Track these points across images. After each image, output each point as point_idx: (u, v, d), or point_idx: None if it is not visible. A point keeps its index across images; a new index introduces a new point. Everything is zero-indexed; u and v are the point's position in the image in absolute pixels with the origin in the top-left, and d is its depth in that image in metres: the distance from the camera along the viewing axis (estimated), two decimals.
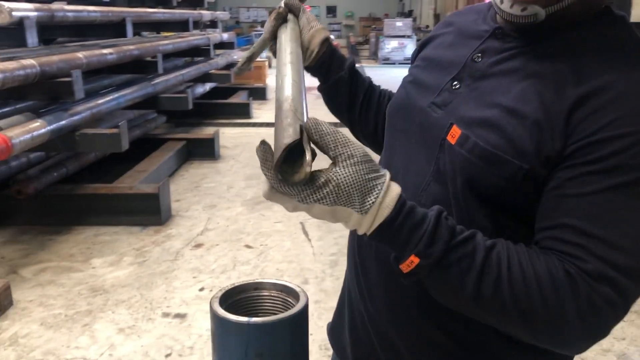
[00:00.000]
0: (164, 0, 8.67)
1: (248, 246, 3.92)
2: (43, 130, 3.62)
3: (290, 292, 1.01)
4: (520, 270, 0.74)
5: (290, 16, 1.09)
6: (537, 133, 0.77)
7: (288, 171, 0.70)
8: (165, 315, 3.05)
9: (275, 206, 4.54)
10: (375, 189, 0.70)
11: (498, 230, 0.83)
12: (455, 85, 0.91)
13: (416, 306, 0.91)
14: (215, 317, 0.93)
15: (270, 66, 12.15)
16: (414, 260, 0.73)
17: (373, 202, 0.70)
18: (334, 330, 1.15)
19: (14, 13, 3.74)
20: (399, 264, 0.76)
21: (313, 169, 0.69)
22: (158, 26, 8.22)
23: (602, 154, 0.73)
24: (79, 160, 4.96)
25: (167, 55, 7.11)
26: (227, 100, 9.20)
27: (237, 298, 1.01)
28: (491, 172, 0.80)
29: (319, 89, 1.18)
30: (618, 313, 0.73)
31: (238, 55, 10.36)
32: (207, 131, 7.30)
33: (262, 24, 27.22)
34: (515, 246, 0.77)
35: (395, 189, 0.73)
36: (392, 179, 0.73)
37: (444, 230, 0.74)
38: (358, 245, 1.02)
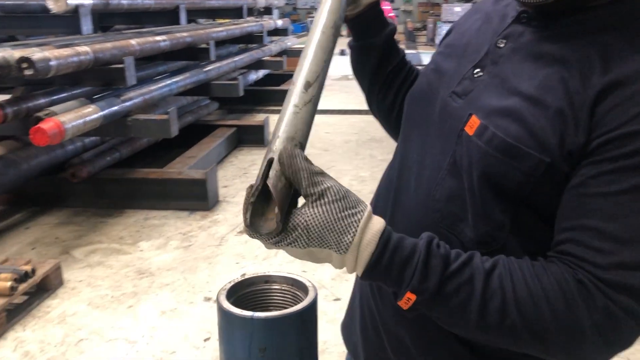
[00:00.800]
0: None
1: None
2: (95, 116, 3.72)
3: (300, 287, 0.98)
4: (527, 289, 0.69)
5: None
6: (560, 124, 0.71)
7: (262, 211, 0.68)
8: (207, 299, 3.10)
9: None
10: (351, 228, 0.67)
11: (515, 228, 0.77)
12: (477, 72, 0.85)
13: None
14: (220, 310, 0.92)
15: None
16: (410, 297, 0.70)
17: (350, 242, 0.67)
18: (345, 328, 1.12)
19: (69, 1, 3.87)
20: (397, 301, 0.72)
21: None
22: (212, 13, 8.33)
23: (629, 150, 0.66)
24: (132, 145, 5.09)
25: (221, 42, 7.20)
26: (280, 87, 9.23)
27: (246, 291, 0.99)
28: (510, 165, 0.74)
29: (349, 44, 1.09)
30: None
31: (292, 41, 10.37)
32: (258, 118, 7.36)
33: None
34: (519, 262, 0.72)
35: (377, 225, 0.69)
36: (373, 212, 0.70)
37: (437, 261, 0.70)
38: None
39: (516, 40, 0.82)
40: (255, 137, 6.35)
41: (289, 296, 0.98)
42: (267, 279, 1.00)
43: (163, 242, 3.81)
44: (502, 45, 0.84)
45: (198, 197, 4.37)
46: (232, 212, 4.33)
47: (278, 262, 3.48)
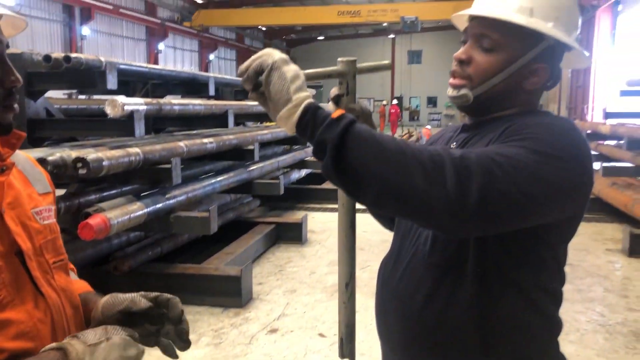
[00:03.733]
0: None
1: (322, 335, 3.92)
2: (140, 212, 3.94)
3: None
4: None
5: None
6: None
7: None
8: None
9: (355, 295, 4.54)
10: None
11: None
12: None
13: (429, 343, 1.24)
14: None
15: None
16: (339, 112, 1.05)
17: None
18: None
19: (126, 107, 4.22)
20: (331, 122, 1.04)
21: None
22: (259, 117, 8.80)
23: (510, 132, 1.16)
24: (174, 240, 5.29)
25: (267, 143, 7.57)
26: (320, 185, 9.48)
27: None
28: None
29: None
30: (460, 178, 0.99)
31: None
32: (298, 215, 7.53)
33: None
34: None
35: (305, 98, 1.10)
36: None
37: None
38: (381, 285, 1.38)
39: (461, 141, 1.31)
40: (293, 234, 6.48)
41: None
42: None
43: (195, 338, 3.86)
44: (453, 146, 1.31)
45: (232, 294, 4.45)
46: (264, 310, 4.38)
47: None
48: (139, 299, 1.20)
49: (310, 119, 1.05)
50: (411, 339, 1.26)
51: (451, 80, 1.26)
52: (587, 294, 4.77)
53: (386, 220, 1.55)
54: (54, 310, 1.15)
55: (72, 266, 1.41)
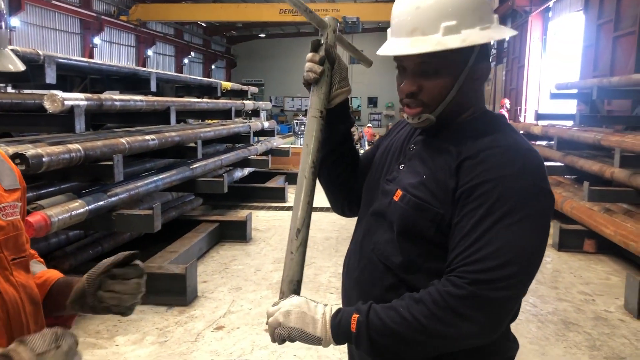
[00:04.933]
0: (210, 90, 9.24)
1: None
2: (81, 210, 3.85)
3: None
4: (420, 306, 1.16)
5: (325, 73, 1.38)
6: (445, 187, 1.21)
7: None
8: None
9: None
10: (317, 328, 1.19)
11: (429, 257, 1.24)
12: (402, 166, 1.36)
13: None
14: None
15: None
16: (354, 317, 1.17)
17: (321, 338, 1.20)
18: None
19: (66, 102, 4.10)
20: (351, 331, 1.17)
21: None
22: (202, 114, 8.71)
23: (476, 195, 1.16)
24: (115, 238, 5.17)
25: (210, 141, 7.50)
26: (264, 184, 9.48)
27: None
28: (420, 216, 1.23)
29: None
30: (480, 307, 1.10)
31: (277, 142, 10.77)
32: (241, 214, 7.51)
33: (305, 112, 28.25)
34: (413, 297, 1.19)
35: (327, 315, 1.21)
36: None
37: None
38: (346, 273, 1.45)
39: (420, 144, 1.34)
40: (237, 232, 6.46)
41: None
42: None
43: (139, 337, 3.80)
44: (412, 147, 1.36)
45: (177, 292, 4.40)
46: (210, 308, 4.36)
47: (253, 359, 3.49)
48: (120, 254, 1.24)
49: (342, 340, 1.18)
50: None
51: (407, 111, 1.29)
52: None
53: (338, 201, 1.59)
54: (10, 306, 1.14)
55: (40, 258, 1.39)
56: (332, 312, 1.18)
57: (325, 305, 1.21)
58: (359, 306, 1.19)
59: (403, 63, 1.27)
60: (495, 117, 1.32)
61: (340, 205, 1.59)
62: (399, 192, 1.27)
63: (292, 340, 1.18)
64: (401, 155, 1.38)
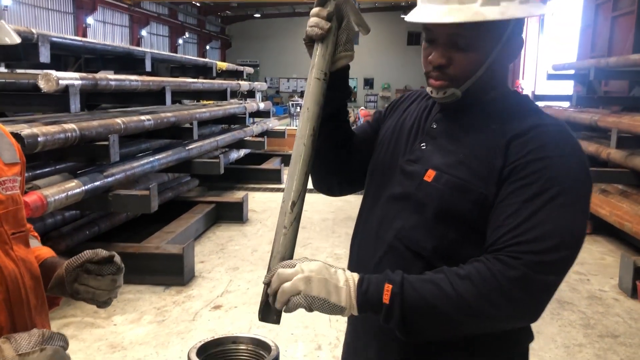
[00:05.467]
0: (205, 71, 9.18)
1: None
2: (78, 190, 3.83)
3: (264, 346, 1.08)
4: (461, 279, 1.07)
5: (332, 31, 1.24)
6: (488, 166, 1.13)
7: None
8: None
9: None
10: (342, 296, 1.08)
11: (466, 242, 1.15)
12: (423, 145, 1.25)
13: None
14: None
15: None
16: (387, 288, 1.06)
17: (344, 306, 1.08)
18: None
19: (60, 81, 4.06)
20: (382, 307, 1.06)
21: None
22: (197, 95, 8.65)
23: (527, 172, 1.08)
24: (111, 219, 5.16)
25: (205, 122, 7.46)
26: (260, 165, 9.46)
27: (215, 350, 1.09)
28: (462, 198, 1.14)
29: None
30: (529, 288, 1.04)
31: (273, 123, 10.73)
32: (238, 195, 7.50)
33: (301, 94, 28.12)
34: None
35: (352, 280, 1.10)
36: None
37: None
38: (355, 265, 1.32)
39: (445, 122, 1.24)
40: (234, 213, 6.46)
41: (253, 355, 1.08)
42: (234, 340, 1.10)
43: (137, 317, 3.81)
44: (435, 126, 1.26)
45: (174, 272, 4.41)
46: (207, 288, 4.37)
47: None
48: (100, 251, 1.23)
49: (369, 309, 1.07)
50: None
51: (433, 82, 1.20)
52: None
53: (327, 179, 1.46)
54: (9, 280, 1.14)
55: (35, 233, 1.38)
56: (357, 281, 1.07)
57: (344, 270, 1.10)
58: (389, 275, 1.08)
59: (433, 33, 1.18)
60: (526, 97, 1.27)
61: (328, 183, 1.46)
62: (432, 172, 1.18)
63: (311, 310, 1.05)
64: (420, 133, 1.27)
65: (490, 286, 1.03)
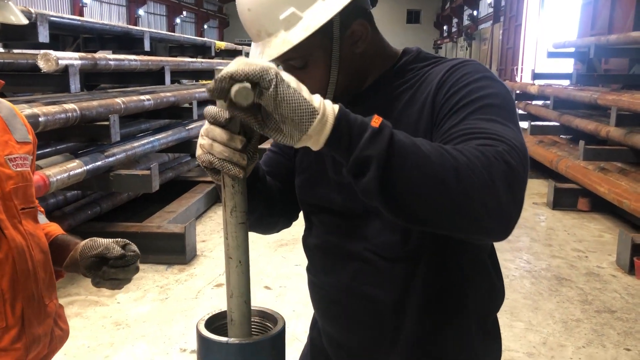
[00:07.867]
0: (204, 50, 9.13)
1: (267, 287, 4.02)
2: (79, 170, 3.85)
3: (271, 319, 1.11)
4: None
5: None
6: (421, 125, 1.08)
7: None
8: (182, 350, 3.15)
9: (296, 249, 4.66)
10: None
11: None
12: None
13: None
14: (199, 337, 1.04)
15: None
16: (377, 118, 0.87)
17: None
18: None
19: (60, 61, 4.05)
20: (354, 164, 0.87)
21: None
22: (196, 74, 8.62)
23: (460, 96, 1.03)
24: (113, 199, 5.19)
25: (205, 102, 7.44)
26: (261, 146, 9.46)
27: (222, 323, 1.11)
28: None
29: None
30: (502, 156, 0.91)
31: None
32: None
33: None
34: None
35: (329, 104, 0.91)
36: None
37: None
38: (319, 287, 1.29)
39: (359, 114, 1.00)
40: None
41: (260, 327, 1.11)
42: None
43: (140, 295, 3.86)
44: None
45: (176, 251, 4.45)
46: (209, 266, 4.41)
47: None
48: (112, 247, 1.25)
49: (345, 130, 0.86)
50: (388, 339, 1.20)
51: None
52: (516, 244, 5.09)
53: (272, 228, 1.36)
54: (16, 252, 1.17)
55: (41, 208, 1.41)
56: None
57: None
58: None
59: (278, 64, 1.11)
60: (423, 54, 1.20)
61: (274, 226, 1.35)
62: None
63: (279, 107, 0.82)
64: None
65: (485, 152, 0.89)
